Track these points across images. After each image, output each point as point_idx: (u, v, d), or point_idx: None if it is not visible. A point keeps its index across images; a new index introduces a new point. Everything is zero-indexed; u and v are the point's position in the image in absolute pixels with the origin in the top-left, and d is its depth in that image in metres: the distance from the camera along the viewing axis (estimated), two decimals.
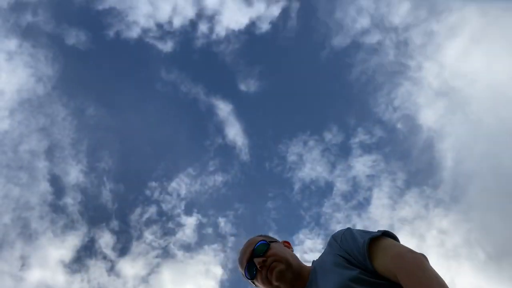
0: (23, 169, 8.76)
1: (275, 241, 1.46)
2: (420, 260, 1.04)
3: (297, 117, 10.70)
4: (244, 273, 1.42)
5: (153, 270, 8.39)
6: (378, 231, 1.19)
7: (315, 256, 1.42)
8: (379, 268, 1.10)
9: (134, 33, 9.43)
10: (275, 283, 1.33)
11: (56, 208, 8.93)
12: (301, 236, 8.76)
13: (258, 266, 1.34)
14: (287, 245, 1.50)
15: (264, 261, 1.34)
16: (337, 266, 1.19)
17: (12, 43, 8.66)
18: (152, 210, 9.30)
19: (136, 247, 8.67)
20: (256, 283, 1.40)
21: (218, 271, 8.53)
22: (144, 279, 8.32)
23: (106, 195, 9.25)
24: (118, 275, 8.28)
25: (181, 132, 10.41)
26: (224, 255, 8.76)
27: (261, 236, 1.48)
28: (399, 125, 9.77)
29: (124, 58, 10.13)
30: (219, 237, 9.28)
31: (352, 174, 9.63)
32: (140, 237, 8.92)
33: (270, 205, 9.69)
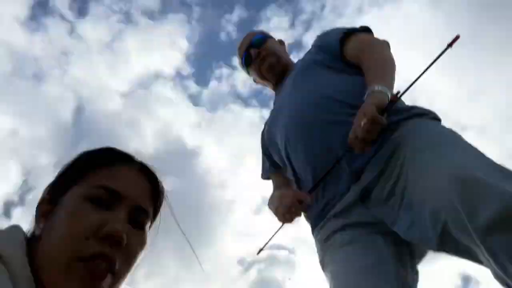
0: None
1: (272, 38, 1.66)
2: (382, 44, 1.26)
3: None
4: (241, 61, 1.62)
5: (115, 36, 7.55)
6: (360, 26, 1.38)
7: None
8: (347, 51, 1.29)
9: None
10: (265, 74, 1.55)
11: None
12: (268, 12, 7.94)
13: (253, 56, 1.55)
14: (282, 43, 1.72)
15: (259, 52, 1.54)
16: (309, 53, 1.44)
17: None
18: None
19: (95, 8, 7.73)
20: (250, 71, 1.62)
21: (183, 44, 7.89)
22: (109, 46, 7.49)
23: None
24: (79, 38, 7.37)
25: None
26: (190, 27, 7.99)
27: (260, 31, 1.67)
28: None
29: None
30: (184, 5, 8.41)
31: None
32: None
33: None
